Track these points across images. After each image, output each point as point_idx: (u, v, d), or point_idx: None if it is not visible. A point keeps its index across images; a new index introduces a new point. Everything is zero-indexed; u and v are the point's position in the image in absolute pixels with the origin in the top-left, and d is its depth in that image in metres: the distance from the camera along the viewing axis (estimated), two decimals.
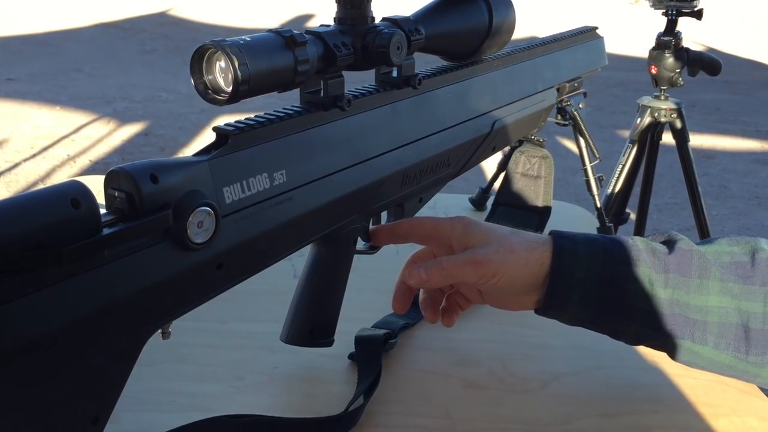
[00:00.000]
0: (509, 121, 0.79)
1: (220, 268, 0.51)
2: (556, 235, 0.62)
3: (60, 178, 3.15)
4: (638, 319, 0.60)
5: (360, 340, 0.67)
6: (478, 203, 1.05)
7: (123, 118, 3.95)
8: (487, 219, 0.93)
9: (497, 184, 1.02)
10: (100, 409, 0.46)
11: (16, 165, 3.24)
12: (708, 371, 0.62)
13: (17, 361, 0.40)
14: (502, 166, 0.99)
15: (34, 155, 3.37)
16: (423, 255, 0.68)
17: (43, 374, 0.42)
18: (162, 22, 6.06)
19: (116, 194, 0.45)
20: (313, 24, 6.54)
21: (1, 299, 0.39)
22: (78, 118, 3.90)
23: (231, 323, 0.72)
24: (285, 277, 0.80)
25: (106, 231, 0.43)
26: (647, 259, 0.60)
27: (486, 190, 1.04)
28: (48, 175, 3.18)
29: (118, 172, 0.45)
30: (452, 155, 0.72)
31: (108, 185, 0.45)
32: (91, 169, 3.25)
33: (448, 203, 1.04)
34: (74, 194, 0.41)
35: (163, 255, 0.46)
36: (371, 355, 0.65)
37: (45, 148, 3.45)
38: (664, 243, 0.63)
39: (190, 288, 0.49)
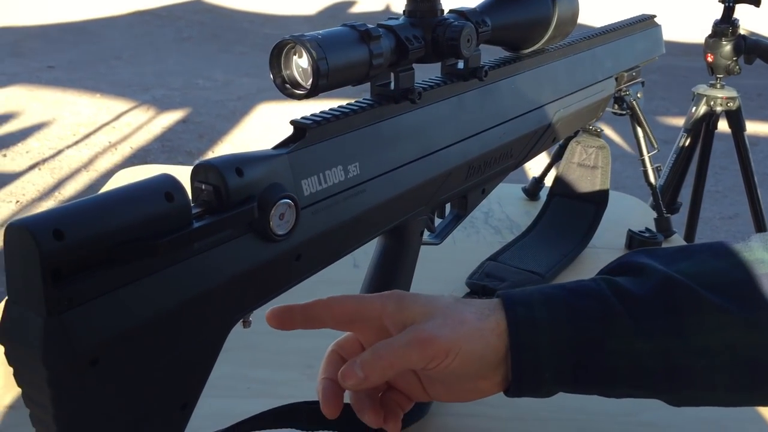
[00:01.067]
0: (570, 112, 0.79)
1: (298, 259, 0.52)
2: (507, 302, 0.51)
3: (102, 164, 3.20)
4: (626, 382, 0.50)
5: None
6: (531, 193, 1.05)
7: (161, 106, 3.99)
8: (542, 210, 0.93)
9: (551, 175, 1.02)
10: (189, 395, 0.48)
11: (59, 152, 3.30)
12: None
13: (113, 351, 0.41)
14: (557, 156, 0.99)
15: (76, 142, 3.42)
16: (347, 345, 0.56)
17: (137, 363, 0.43)
18: (197, 9, 6.10)
19: (203, 187, 0.46)
20: (353, 11, 6.53)
21: (99, 290, 0.40)
22: (118, 105, 3.95)
23: None
24: (345, 266, 0.81)
25: (196, 224, 0.44)
26: (617, 306, 0.50)
27: (539, 180, 1.04)
28: (91, 161, 3.23)
29: (205, 166, 0.46)
30: (515, 146, 0.72)
31: (195, 178, 0.46)
32: (133, 156, 3.30)
33: (501, 193, 1.04)
34: (168, 188, 0.42)
35: (247, 246, 0.47)
36: None
37: (87, 135, 3.50)
38: (634, 273, 0.52)
39: (271, 278, 0.50)
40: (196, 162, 0.47)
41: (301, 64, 0.51)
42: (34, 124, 3.61)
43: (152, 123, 3.75)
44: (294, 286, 0.53)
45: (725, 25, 1.42)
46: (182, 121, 3.82)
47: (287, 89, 0.52)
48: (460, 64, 0.64)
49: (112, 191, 0.42)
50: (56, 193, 2.91)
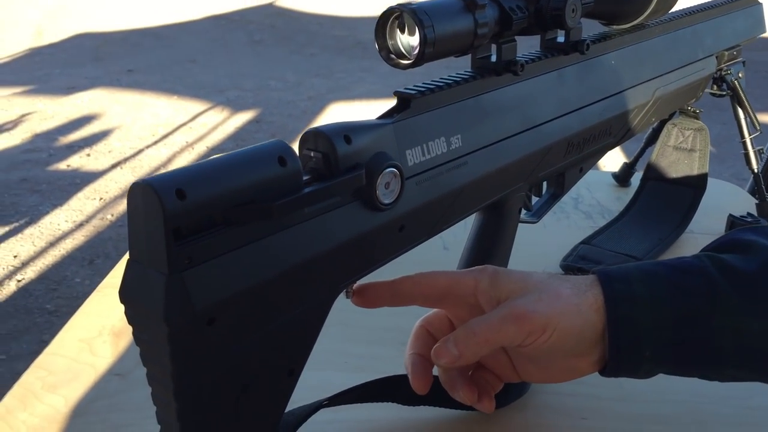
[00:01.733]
0: (670, 90, 0.76)
1: (401, 230, 0.51)
2: (603, 278, 0.49)
3: (180, 163, 3.28)
4: (731, 362, 0.48)
5: None
6: (621, 179, 1.02)
7: (235, 106, 4.07)
8: (636, 195, 0.90)
9: (642, 160, 0.99)
10: (296, 362, 0.48)
11: (139, 151, 3.40)
12: None
13: (229, 311, 0.41)
14: (650, 140, 0.96)
15: (155, 142, 3.52)
16: (436, 321, 0.54)
17: (250, 325, 0.43)
18: (269, 13, 6.20)
19: (312, 155, 0.46)
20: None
21: (216, 251, 0.40)
22: (194, 106, 4.05)
23: None
24: (435, 248, 0.81)
25: (307, 189, 0.44)
26: (722, 283, 0.47)
27: (631, 165, 1.01)
28: (169, 161, 3.31)
29: (315, 133, 0.46)
30: (614, 124, 0.70)
31: (303, 146, 0.47)
32: (209, 155, 3.36)
33: (590, 179, 1.02)
34: (281, 152, 0.43)
35: (354, 214, 0.47)
36: None
37: (165, 136, 3.60)
38: (740, 250, 0.50)
39: (375, 248, 0.50)
40: (305, 130, 0.47)
41: (406, 33, 0.51)
42: (116, 125, 3.73)
43: (226, 123, 3.83)
44: (395, 258, 0.52)
45: None
46: (255, 121, 3.89)
47: (392, 59, 0.52)
48: (561, 38, 0.63)
49: (228, 155, 0.42)
50: None
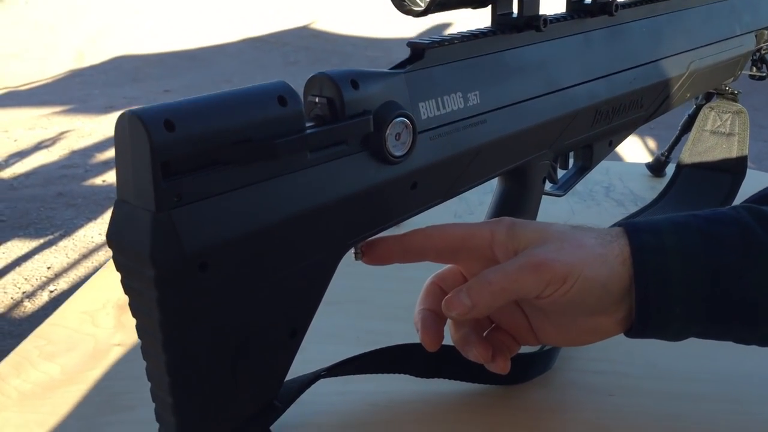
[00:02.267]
0: (706, 64, 0.72)
1: (414, 187, 0.48)
2: (630, 229, 0.45)
3: None
4: (767, 322, 0.44)
5: None
6: (655, 169, 0.98)
7: None
8: (671, 181, 0.86)
9: (677, 150, 0.95)
10: (299, 321, 0.45)
11: None
12: None
13: (224, 257, 0.38)
14: (686, 127, 0.92)
15: None
16: (449, 277, 0.51)
17: (247, 275, 0.40)
18: (303, 35, 6.26)
19: (317, 100, 0.44)
20: (446, 32, 6.55)
21: (210, 190, 0.38)
22: None
23: (405, 270, 0.69)
24: (447, 218, 0.77)
25: (311, 131, 0.41)
26: (761, 234, 0.43)
27: (666, 155, 0.96)
28: None
29: (320, 78, 0.44)
30: (646, 95, 0.66)
31: (308, 92, 0.44)
32: None
33: (621, 170, 0.98)
34: (280, 92, 0.40)
35: (362, 165, 0.44)
36: None
37: None
38: None
39: (385, 204, 0.47)
40: (311, 75, 0.45)
41: None
42: None
43: None
44: (406, 219, 0.49)
45: None
46: None
47: (404, 5, 0.49)
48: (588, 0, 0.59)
49: (224, 92, 0.40)
50: None
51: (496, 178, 0.61)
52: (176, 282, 0.37)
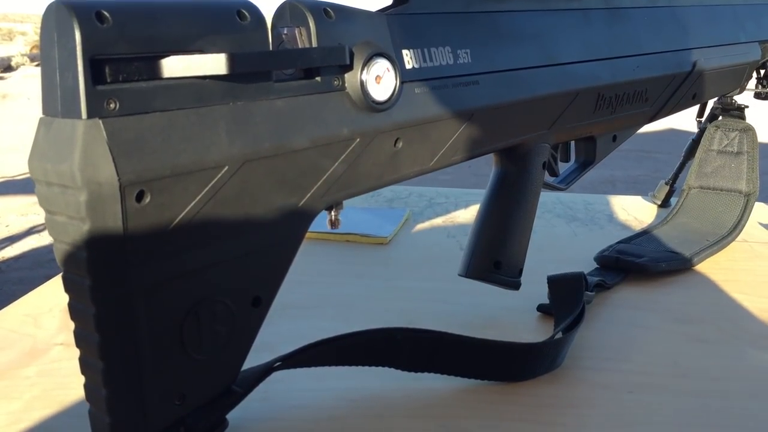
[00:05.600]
0: (711, 66, 0.68)
1: (396, 143, 0.42)
2: None
3: None
4: None
5: (554, 281, 0.55)
6: (660, 199, 0.91)
7: None
8: (677, 203, 0.80)
9: (681, 178, 0.89)
10: (262, 289, 0.38)
11: None
12: None
13: (165, 189, 0.32)
14: (690, 152, 0.87)
15: None
16: None
17: (194, 221, 0.34)
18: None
19: (285, 32, 0.38)
20: None
21: (152, 104, 0.32)
22: None
23: (394, 281, 0.62)
24: (450, 249, 0.70)
25: (274, 50, 0.36)
26: None
27: (670, 184, 0.90)
28: None
29: (288, 5, 0.39)
30: (650, 87, 0.62)
31: (275, 25, 0.39)
32: None
33: (624, 202, 0.92)
34: (240, 6, 0.35)
35: (337, 106, 0.39)
36: (570, 294, 0.53)
37: None
38: None
39: (363, 158, 0.41)
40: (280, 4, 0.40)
41: None
42: None
43: None
44: (388, 184, 0.43)
45: None
46: None
47: None
48: None
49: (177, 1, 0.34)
50: None
51: (493, 161, 0.56)
52: (108, 210, 0.31)
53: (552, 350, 0.46)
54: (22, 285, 3.00)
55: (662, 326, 0.54)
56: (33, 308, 0.55)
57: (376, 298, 0.58)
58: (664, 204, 0.91)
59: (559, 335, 0.48)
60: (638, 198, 0.94)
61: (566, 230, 0.79)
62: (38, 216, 3.97)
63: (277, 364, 0.41)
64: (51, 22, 0.30)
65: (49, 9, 0.31)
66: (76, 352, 0.33)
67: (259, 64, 0.35)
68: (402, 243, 0.72)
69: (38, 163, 0.32)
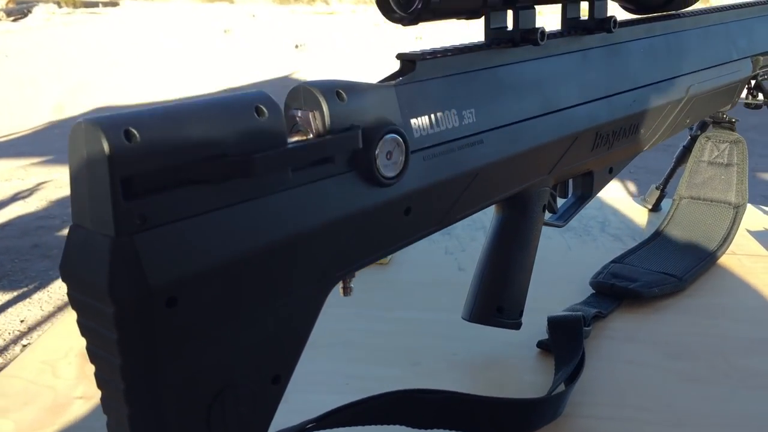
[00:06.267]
0: (704, 89, 0.69)
1: (408, 213, 0.44)
2: None
3: None
4: None
5: (554, 323, 0.57)
6: (651, 203, 0.94)
7: None
8: (669, 215, 0.82)
9: (672, 183, 0.92)
10: (282, 366, 0.40)
11: None
12: None
13: (195, 292, 0.34)
14: (681, 158, 0.89)
15: None
16: None
17: (223, 313, 0.35)
18: (285, 84, 6.28)
19: (299, 114, 0.39)
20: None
21: (180, 213, 0.33)
22: None
23: (396, 311, 0.64)
24: (449, 269, 0.73)
25: (292, 145, 0.37)
26: None
27: (661, 189, 0.93)
28: None
29: (302, 89, 0.39)
30: (646, 119, 0.63)
31: (289, 107, 0.40)
32: None
33: (615, 205, 0.94)
34: (258, 102, 0.36)
35: (351, 187, 0.40)
36: (570, 339, 0.55)
37: None
38: None
39: (376, 231, 0.42)
40: (293, 87, 0.40)
41: None
42: None
43: None
44: (400, 248, 0.45)
45: None
46: None
47: (393, 15, 0.45)
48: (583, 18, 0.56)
49: (194, 101, 0.35)
50: None
51: (493, 207, 0.57)
52: (139, 320, 0.32)
53: (555, 403, 0.48)
54: (9, 255, 3.00)
55: (657, 363, 0.57)
56: (49, 353, 0.56)
57: (379, 333, 0.60)
58: (655, 208, 0.93)
59: (561, 388, 0.50)
60: (629, 201, 0.96)
61: (560, 243, 0.81)
62: (22, 181, 3.94)
63: (310, 425, 0.43)
64: (80, 141, 0.31)
65: (78, 128, 0.31)
66: (97, 407, 0.34)
67: (279, 165, 0.36)
68: (401, 262, 0.74)
69: (70, 270, 0.33)
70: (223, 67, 7.11)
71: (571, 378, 0.51)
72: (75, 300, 0.33)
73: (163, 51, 7.90)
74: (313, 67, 7.06)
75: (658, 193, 0.93)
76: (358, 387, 0.52)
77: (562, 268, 0.74)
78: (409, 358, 0.57)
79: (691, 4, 0.66)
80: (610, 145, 0.60)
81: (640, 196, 0.95)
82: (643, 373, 0.56)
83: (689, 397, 0.52)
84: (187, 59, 7.48)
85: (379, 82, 0.44)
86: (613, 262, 0.73)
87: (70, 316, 0.63)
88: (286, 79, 6.50)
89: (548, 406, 0.48)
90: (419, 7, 0.43)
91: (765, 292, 0.70)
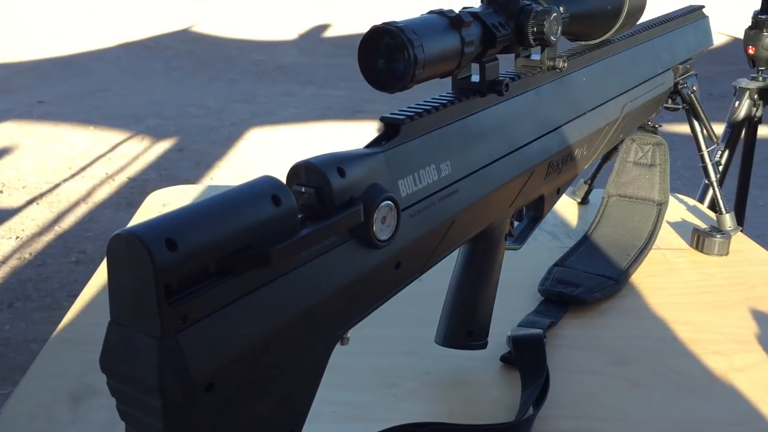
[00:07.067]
0: (636, 105, 0.75)
1: (398, 266, 0.47)
2: None
3: (100, 196, 3.14)
4: None
5: (518, 341, 0.63)
6: (580, 197, 1.01)
7: (156, 135, 3.94)
8: (599, 212, 0.89)
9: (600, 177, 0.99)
10: (296, 421, 0.43)
11: (56, 185, 3.23)
12: None
13: (228, 373, 0.36)
14: (606, 155, 0.95)
15: (72, 175, 3.36)
16: None
17: (250, 387, 0.38)
18: (185, 38, 6.07)
19: (303, 190, 0.42)
20: (333, 34, 6.56)
21: (212, 306, 0.35)
22: (112, 136, 3.90)
23: (367, 329, 0.68)
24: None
25: (304, 231, 0.39)
26: None
27: (589, 182, 1.00)
28: (89, 194, 3.16)
29: (306, 167, 0.42)
30: (589, 142, 0.68)
31: (292, 181, 0.42)
32: (131, 187, 3.24)
33: None
34: (274, 191, 0.38)
35: (351, 254, 0.43)
36: (533, 357, 0.61)
37: (83, 168, 3.44)
38: None
39: (372, 289, 0.46)
40: (294, 164, 0.43)
41: (395, 53, 0.47)
42: (29, 158, 3.55)
43: (148, 152, 3.70)
44: (389, 299, 0.49)
45: (766, 15, 1.38)
46: (178, 150, 3.77)
47: (378, 83, 0.48)
48: (535, 55, 0.60)
49: (216, 197, 0.37)
50: (56, 227, 2.84)
51: None
52: (184, 409, 0.35)
53: (526, 425, 0.54)
54: None
55: (605, 370, 0.63)
56: (39, 396, 0.57)
57: (355, 353, 0.63)
58: (584, 201, 1.00)
59: (531, 412, 0.55)
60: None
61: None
62: None
63: None
64: (121, 251, 0.33)
65: (118, 239, 0.33)
66: None
67: (296, 251, 0.38)
68: None
69: (112, 364, 0.35)
70: (118, 18, 6.78)
71: (539, 400, 0.57)
72: (117, 390, 0.36)
73: (53, 2, 7.43)
74: (214, 20, 6.83)
75: (586, 187, 1.00)
76: (346, 414, 0.56)
77: (510, 273, 0.78)
78: (386, 380, 0.61)
79: (626, 30, 0.71)
80: (560, 171, 0.65)
81: (570, 191, 1.02)
82: (594, 381, 0.62)
83: (638, 405, 0.59)
84: (80, 10, 7.07)
85: (366, 147, 0.47)
86: (556, 265, 0.80)
87: (47, 355, 0.64)
88: (185, 32, 6.28)
89: (522, 430, 0.54)
90: (408, 82, 0.46)
91: (689, 289, 0.78)
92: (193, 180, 3.35)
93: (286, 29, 6.31)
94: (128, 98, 4.61)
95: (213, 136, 3.94)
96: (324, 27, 6.39)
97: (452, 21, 0.49)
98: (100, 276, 0.77)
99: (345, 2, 7.27)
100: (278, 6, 7.33)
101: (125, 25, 6.51)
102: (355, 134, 3.92)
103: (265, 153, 3.61)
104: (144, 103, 4.49)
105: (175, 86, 4.89)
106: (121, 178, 3.37)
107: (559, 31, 0.56)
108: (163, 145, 3.80)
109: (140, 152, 3.71)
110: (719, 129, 1.33)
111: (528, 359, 0.61)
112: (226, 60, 5.52)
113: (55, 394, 0.57)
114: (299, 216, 0.40)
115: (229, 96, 4.64)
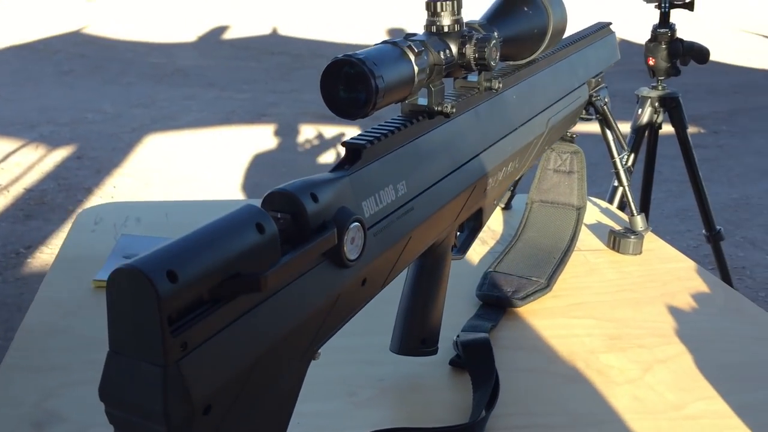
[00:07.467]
0: (559, 118, 0.81)
1: (364, 283, 0.50)
2: None
3: None
4: None
5: (467, 346, 0.66)
6: (504, 202, 1.06)
7: (51, 142, 3.79)
8: (524, 218, 0.94)
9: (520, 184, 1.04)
10: None
11: None
12: None
13: (224, 396, 0.38)
14: None
15: None
16: None
17: (242, 407, 0.40)
18: (77, 41, 5.86)
19: (279, 216, 0.44)
20: (228, 35, 6.47)
21: (208, 333, 0.37)
22: (3, 145, 3.72)
23: (334, 339, 0.70)
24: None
25: (287, 256, 0.41)
26: None
27: (511, 189, 1.05)
28: None
29: (281, 194, 0.44)
30: (520, 155, 0.73)
31: (268, 208, 0.44)
32: (28, 198, 3.10)
33: None
34: (257, 219, 0.40)
35: (324, 274, 0.46)
36: (482, 360, 0.65)
37: None
38: None
39: (342, 306, 0.48)
40: (268, 191, 0.45)
41: (355, 83, 0.50)
42: None
43: (44, 161, 3.56)
44: (356, 314, 0.51)
45: (664, 29, 1.50)
46: (76, 157, 3.64)
47: (341, 111, 0.50)
48: (472, 77, 0.64)
49: (205, 227, 0.39)
50: None
51: None
52: None
53: (479, 426, 0.58)
54: None
55: (544, 367, 0.68)
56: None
57: (315, 364, 0.65)
58: (507, 207, 1.06)
59: (483, 414, 0.59)
60: None
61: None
62: None
63: None
64: (123, 285, 0.34)
65: (119, 273, 0.34)
66: None
67: (283, 275, 0.41)
68: None
69: (113, 393, 0.36)
70: (4, 20, 6.45)
71: (490, 403, 0.61)
72: (117, 418, 0.37)
73: None
74: (107, 21, 6.61)
75: (509, 193, 1.05)
76: (311, 425, 0.58)
77: (449, 279, 0.83)
78: (345, 389, 0.64)
79: (550, 50, 0.76)
80: (496, 184, 0.69)
81: None
82: (534, 379, 0.67)
83: (578, 399, 0.64)
84: None
85: (331, 171, 0.50)
86: (489, 270, 0.84)
87: (2, 382, 0.62)
88: (77, 35, 6.05)
89: (477, 430, 0.57)
90: (369, 110, 0.49)
91: (610, 287, 0.85)
92: (95, 189, 3.25)
93: (184, 31, 6.18)
94: (18, 104, 4.41)
95: (113, 143, 3.83)
96: (223, 29, 6.30)
97: (403, 50, 0.52)
98: (43, 299, 0.76)
99: (243, 3, 7.20)
100: (174, 7, 7.17)
101: (12, 27, 6.20)
102: (261, 138, 3.90)
103: (168, 159, 3.54)
104: (36, 109, 4.30)
105: (68, 91, 4.72)
106: (17, 189, 3.22)
107: (497, 56, 0.60)
108: (60, 153, 3.67)
109: (35, 161, 3.56)
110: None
111: (477, 363, 0.65)
112: (121, 63, 5.36)
113: (15, 423, 0.57)
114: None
115: (126, 101, 4.51)
